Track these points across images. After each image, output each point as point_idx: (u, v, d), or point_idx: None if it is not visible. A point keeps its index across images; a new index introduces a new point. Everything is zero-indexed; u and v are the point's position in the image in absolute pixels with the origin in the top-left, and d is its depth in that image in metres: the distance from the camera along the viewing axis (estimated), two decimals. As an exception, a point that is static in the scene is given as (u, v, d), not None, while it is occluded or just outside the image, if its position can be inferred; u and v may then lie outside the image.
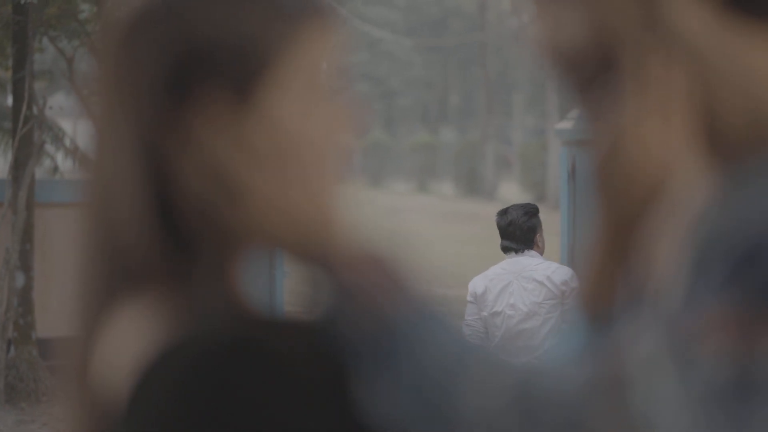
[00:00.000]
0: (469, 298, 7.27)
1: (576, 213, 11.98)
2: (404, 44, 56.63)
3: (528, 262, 7.21)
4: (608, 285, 1.08)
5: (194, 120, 1.14)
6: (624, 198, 1.06)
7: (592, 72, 1.08)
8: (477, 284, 7.25)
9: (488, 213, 7.83)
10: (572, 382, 1.05)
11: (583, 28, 1.08)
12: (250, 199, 1.15)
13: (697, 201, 1.02)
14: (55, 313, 13.12)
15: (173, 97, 1.14)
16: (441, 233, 31.32)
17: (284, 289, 11.53)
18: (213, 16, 1.15)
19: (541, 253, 7.34)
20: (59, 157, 16.24)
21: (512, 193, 42.53)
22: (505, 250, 7.30)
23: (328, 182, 1.18)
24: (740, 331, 0.94)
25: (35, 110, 12.75)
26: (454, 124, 63.32)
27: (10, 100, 13.43)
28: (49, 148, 15.40)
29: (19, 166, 12.58)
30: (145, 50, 1.16)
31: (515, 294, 7.12)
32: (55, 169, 16.46)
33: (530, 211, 7.37)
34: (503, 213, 7.39)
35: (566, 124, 12.49)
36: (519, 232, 7.23)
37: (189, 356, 1.10)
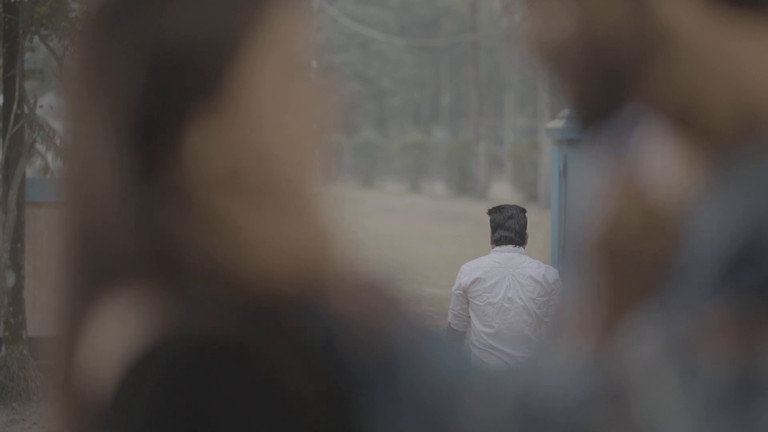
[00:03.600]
0: (456, 290, 7.63)
1: (567, 212, 11.98)
2: (396, 44, 56.60)
3: (521, 259, 7.62)
4: (612, 322, 1.08)
5: (172, 118, 1.13)
6: (628, 268, 1.06)
7: (583, 70, 1.08)
8: (468, 273, 7.62)
9: (480, 213, 8.12)
10: (574, 393, 1.05)
11: (573, 26, 1.08)
12: (243, 241, 1.13)
13: (688, 202, 1.02)
14: (46, 312, 13.06)
15: (147, 91, 1.14)
16: (433, 233, 31.30)
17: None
18: (177, 10, 1.15)
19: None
20: (50, 156, 16.22)
21: (504, 192, 42.54)
22: (503, 241, 7.67)
23: (317, 194, 1.17)
24: (739, 334, 0.94)
25: (26, 109, 12.73)
26: (445, 124, 63.30)
27: (0, 99, 13.41)
28: (39, 147, 15.39)
29: (9, 165, 12.56)
30: (114, 41, 1.15)
31: (512, 288, 7.52)
32: (46, 168, 16.45)
33: (523, 210, 7.91)
34: (499, 209, 7.84)
35: (557, 124, 12.49)
36: (518, 226, 7.69)
37: (173, 355, 1.09)
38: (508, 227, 7.69)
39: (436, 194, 47.16)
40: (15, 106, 12.49)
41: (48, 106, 14.11)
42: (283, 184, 1.15)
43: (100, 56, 1.16)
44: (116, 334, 1.12)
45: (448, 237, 29.65)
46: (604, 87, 1.07)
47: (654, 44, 1.04)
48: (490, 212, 7.89)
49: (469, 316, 7.60)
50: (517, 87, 55.79)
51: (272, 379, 1.10)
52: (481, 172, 44.47)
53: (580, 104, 1.10)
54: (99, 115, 1.15)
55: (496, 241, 7.71)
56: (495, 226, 7.74)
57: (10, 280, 12.60)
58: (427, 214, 37.40)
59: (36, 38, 13.20)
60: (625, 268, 1.07)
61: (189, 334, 1.10)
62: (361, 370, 1.11)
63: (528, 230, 7.85)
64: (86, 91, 1.16)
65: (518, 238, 7.68)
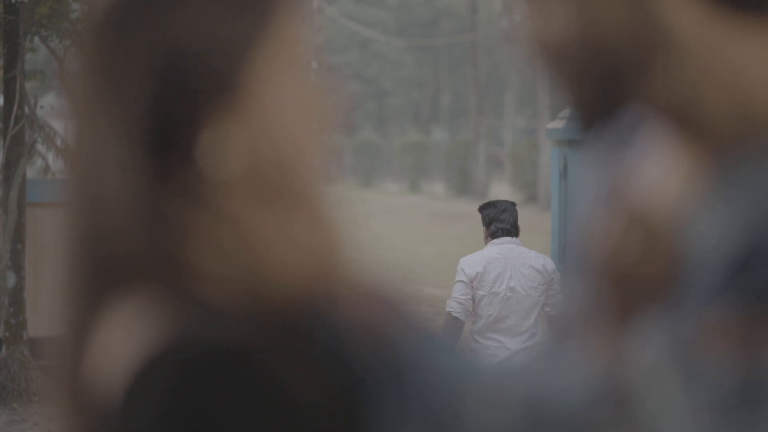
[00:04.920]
0: (462, 278, 7.92)
1: (567, 213, 11.97)
2: (395, 44, 56.56)
3: (520, 250, 8.00)
4: (617, 327, 1.08)
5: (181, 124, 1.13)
6: (632, 284, 1.06)
7: (583, 70, 1.08)
8: (473, 265, 7.93)
9: (479, 213, 8.30)
10: (580, 396, 1.05)
11: (572, 24, 1.08)
12: (254, 244, 1.13)
13: (689, 206, 1.02)
14: (47, 312, 13.05)
15: (158, 92, 1.13)
16: (433, 233, 31.27)
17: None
18: (186, 14, 1.15)
19: None
20: (50, 156, 16.21)
21: (504, 193, 42.47)
22: (500, 233, 8.02)
23: (326, 196, 1.17)
24: (743, 337, 0.94)
25: (26, 110, 12.72)
26: (445, 124, 63.26)
27: (1, 100, 13.40)
28: (40, 147, 15.38)
29: (10, 166, 12.56)
30: (124, 42, 1.15)
31: (514, 278, 7.88)
32: (47, 168, 16.45)
33: (514, 204, 8.33)
34: (491, 204, 8.24)
35: (557, 124, 12.48)
36: (512, 219, 8.08)
37: (181, 359, 1.09)
38: (503, 220, 8.04)
39: (436, 194, 47.11)
40: (16, 107, 12.49)
41: (49, 106, 14.09)
42: (293, 186, 1.15)
43: (110, 57, 1.16)
44: (124, 337, 1.12)
45: (448, 237, 29.61)
46: (604, 88, 1.07)
47: (654, 46, 1.04)
48: (482, 208, 8.26)
49: (473, 305, 7.90)
50: (517, 87, 55.73)
51: (279, 384, 1.10)
52: (481, 173, 44.44)
53: (580, 105, 1.10)
54: (109, 117, 1.15)
55: (493, 234, 8.06)
56: (489, 221, 8.10)
57: (11, 280, 12.59)
58: (427, 214, 37.36)
59: (36, 39, 13.20)
60: (630, 285, 1.06)
61: (197, 339, 1.10)
62: (368, 375, 1.11)
63: (519, 224, 8.17)
64: (96, 93, 1.16)
65: (514, 230, 8.05)
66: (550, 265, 7.98)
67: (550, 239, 12.29)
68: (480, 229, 8.27)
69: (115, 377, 1.11)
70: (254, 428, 1.09)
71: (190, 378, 1.08)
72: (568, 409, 1.05)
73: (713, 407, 0.94)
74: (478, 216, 8.31)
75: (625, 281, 1.06)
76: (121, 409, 1.10)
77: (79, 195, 1.17)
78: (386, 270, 1.17)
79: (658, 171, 1.07)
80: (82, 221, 1.16)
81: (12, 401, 12.26)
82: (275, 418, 1.09)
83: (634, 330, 1.04)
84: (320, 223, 1.15)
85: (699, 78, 1.03)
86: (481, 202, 8.60)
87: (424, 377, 1.11)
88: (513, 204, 8.26)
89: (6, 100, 12.89)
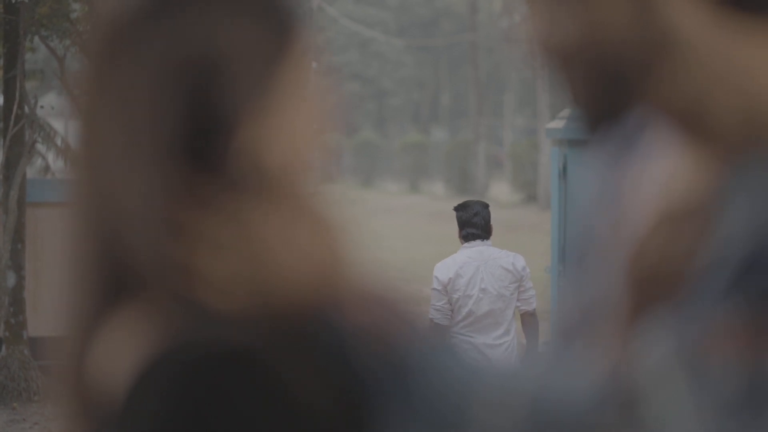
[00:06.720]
0: (436, 286, 8.23)
1: (567, 212, 11.98)
2: (395, 44, 56.57)
3: (491, 251, 8.32)
4: (625, 328, 1.08)
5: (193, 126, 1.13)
6: (651, 283, 1.06)
7: (587, 71, 1.08)
8: (445, 271, 8.24)
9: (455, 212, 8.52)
10: (585, 398, 1.05)
11: (576, 26, 1.08)
12: (266, 251, 1.13)
13: (698, 207, 1.02)
14: (47, 312, 13.12)
15: (175, 104, 1.13)
16: (432, 233, 31.28)
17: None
18: (201, 22, 1.15)
19: None
20: (50, 156, 16.23)
21: (503, 192, 42.49)
22: (471, 237, 8.34)
23: (331, 201, 1.17)
24: (749, 340, 0.94)
25: (26, 109, 12.73)
26: (445, 124, 63.29)
27: (1, 100, 13.41)
28: (40, 147, 15.39)
29: (10, 166, 12.57)
30: (139, 52, 1.15)
31: (486, 279, 8.20)
32: (47, 168, 16.47)
33: (487, 205, 8.58)
34: (464, 207, 8.51)
35: (557, 124, 12.48)
36: (483, 222, 8.37)
37: (185, 361, 1.10)
38: (474, 224, 8.34)
39: (436, 194, 47.11)
40: (15, 107, 12.50)
41: (49, 106, 14.12)
42: (296, 190, 1.15)
43: (129, 64, 1.15)
44: (129, 339, 1.12)
45: (447, 237, 29.59)
46: (608, 90, 1.07)
47: (659, 47, 1.03)
48: (457, 209, 8.53)
49: (450, 310, 8.19)
50: (517, 87, 55.75)
51: (282, 387, 1.10)
52: (481, 173, 44.44)
53: (585, 107, 1.10)
54: (124, 122, 1.15)
55: (465, 238, 8.36)
56: (462, 224, 8.40)
57: (11, 280, 12.60)
58: (427, 214, 37.36)
59: (36, 39, 13.20)
60: (648, 286, 1.06)
61: (200, 341, 1.10)
62: (372, 378, 1.11)
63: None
64: (112, 98, 1.16)
65: (484, 234, 8.34)
66: (520, 263, 8.27)
67: (550, 239, 12.29)
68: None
69: (119, 378, 1.11)
70: (257, 430, 1.09)
71: (193, 380, 1.09)
72: (573, 410, 1.05)
73: (719, 409, 0.94)
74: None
75: (645, 283, 1.06)
76: (124, 410, 1.10)
77: (89, 197, 1.17)
78: (386, 271, 1.17)
79: (664, 173, 1.07)
80: (91, 223, 1.16)
81: (12, 401, 12.26)
82: (278, 420, 1.09)
83: (641, 331, 1.03)
84: (323, 225, 1.15)
85: (704, 80, 1.03)
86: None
87: (427, 379, 1.11)
88: (486, 206, 8.52)
89: (6, 99, 12.90)
